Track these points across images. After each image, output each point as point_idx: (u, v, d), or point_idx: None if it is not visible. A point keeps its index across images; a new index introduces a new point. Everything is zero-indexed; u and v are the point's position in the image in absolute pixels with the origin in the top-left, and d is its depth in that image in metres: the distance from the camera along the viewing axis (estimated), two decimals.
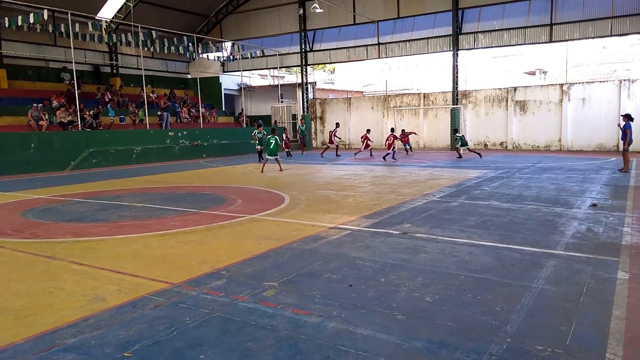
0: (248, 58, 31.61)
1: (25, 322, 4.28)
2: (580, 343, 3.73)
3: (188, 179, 15.55)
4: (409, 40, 28.25)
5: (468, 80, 31.58)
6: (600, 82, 25.62)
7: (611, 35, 24.23)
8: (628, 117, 15.00)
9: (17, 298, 4.92)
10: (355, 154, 24.13)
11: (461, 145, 21.53)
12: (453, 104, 26.81)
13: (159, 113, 25.46)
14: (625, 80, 24.67)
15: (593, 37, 24.69)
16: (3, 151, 17.54)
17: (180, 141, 23.65)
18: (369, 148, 23.33)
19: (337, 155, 24.01)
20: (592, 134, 24.34)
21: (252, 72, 36.17)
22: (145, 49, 26.48)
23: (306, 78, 31.66)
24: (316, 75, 58.17)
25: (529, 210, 8.94)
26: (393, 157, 20.95)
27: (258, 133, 19.82)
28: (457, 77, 26.80)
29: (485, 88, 27.99)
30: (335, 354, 3.59)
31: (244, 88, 33.75)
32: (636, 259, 5.86)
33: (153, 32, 24.18)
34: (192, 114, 28.21)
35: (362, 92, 48.26)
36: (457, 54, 26.58)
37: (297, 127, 28.86)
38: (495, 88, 27.49)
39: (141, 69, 24.57)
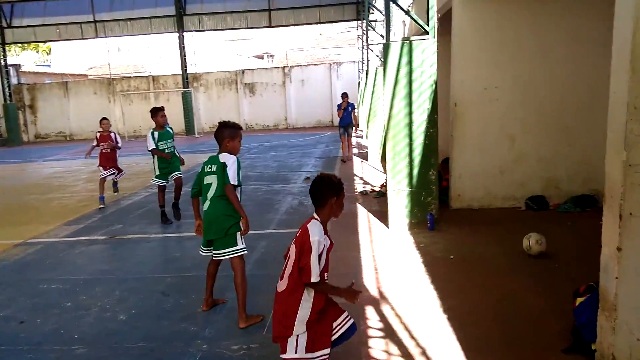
0: None
1: None
2: None
3: None
4: (130, 19, 26.09)
5: (201, 63, 31.19)
6: (315, 65, 28.52)
7: (320, 23, 27.01)
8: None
9: None
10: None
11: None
12: (184, 87, 26.06)
13: None
14: (334, 63, 28.01)
15: (305, 24, 27.12)
16: None
17: None
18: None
19: None
20: (312, 112, 26.94)
21: None
22: None
23: (5, 60, 26.28)
24: (25, 56, 49.56)
25: (250, 191, 9.02)
26: None
27: None
28: (185, 59, 26.01)
29: (216, 71, 28.08)
30: None
31: None
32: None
33: None
34: None
35: (87, 75, 43.15)
36: (182, 36, 25.74)
37: None
38: (225, 71, 27.81)
39: None
